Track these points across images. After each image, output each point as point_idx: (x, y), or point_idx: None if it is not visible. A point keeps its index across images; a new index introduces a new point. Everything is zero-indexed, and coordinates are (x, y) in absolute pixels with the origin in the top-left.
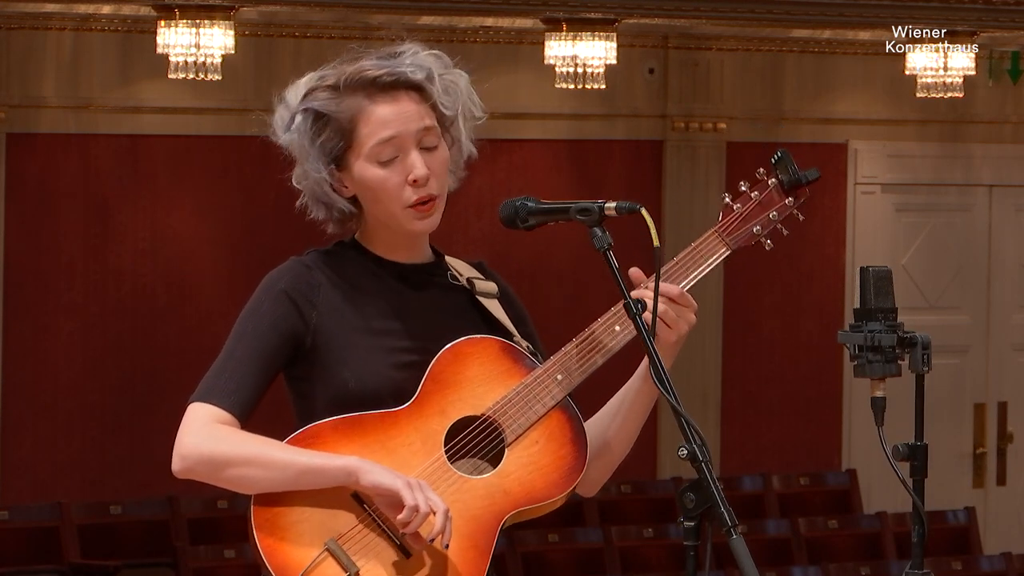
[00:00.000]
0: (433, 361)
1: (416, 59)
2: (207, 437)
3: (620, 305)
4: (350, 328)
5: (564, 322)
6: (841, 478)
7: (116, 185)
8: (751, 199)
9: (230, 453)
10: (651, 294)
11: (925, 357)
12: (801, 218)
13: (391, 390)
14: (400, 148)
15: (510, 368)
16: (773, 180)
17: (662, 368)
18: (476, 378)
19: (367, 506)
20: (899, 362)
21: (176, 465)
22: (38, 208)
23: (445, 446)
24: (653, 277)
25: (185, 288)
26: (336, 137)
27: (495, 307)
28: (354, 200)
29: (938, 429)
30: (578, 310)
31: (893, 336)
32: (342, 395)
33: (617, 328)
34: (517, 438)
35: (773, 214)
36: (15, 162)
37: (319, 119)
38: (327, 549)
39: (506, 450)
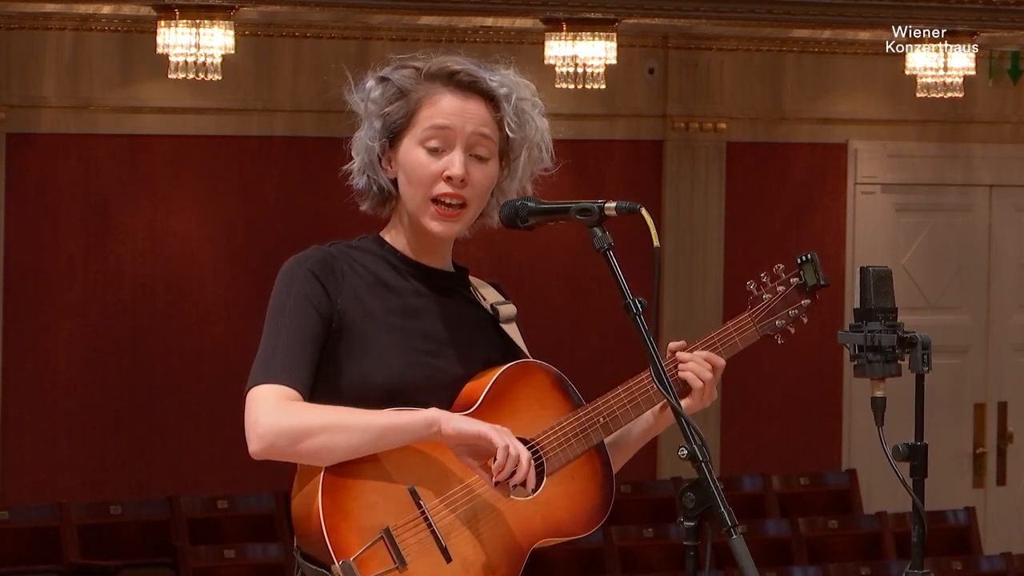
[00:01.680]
0: (492, 379)
1: (505, 77)
2: (282, 413)
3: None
4: (370, 320)
5: (564, 322)
6: (841, 478)
7: (116, 185)
8: (777, 293)
9: (309, 423)
10: (692, 358)
11: (925, 357)
12: (806, 320)
13: (396, 388)
14: (448, 142)
15: (559, 401)
16: (795, 279)
17: (662, 369)
18: (529, 403)
19: (422, 504)
20: (899, 362)
21: (255, 445)
22: (38, 208)
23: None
24: (692, 344)
25: (185, 288)
26: (400, 113)
27: (514, 332)
28: (394, 184)
29: (938, 429)
30: (578, 310)
31: (893, 336)
32: (348, 388)
33: None
34: (556, 470)
35: (792, 312)
36: (15, 162)
37: (393, 92)
38: (382, 537)
39: (545, 479)
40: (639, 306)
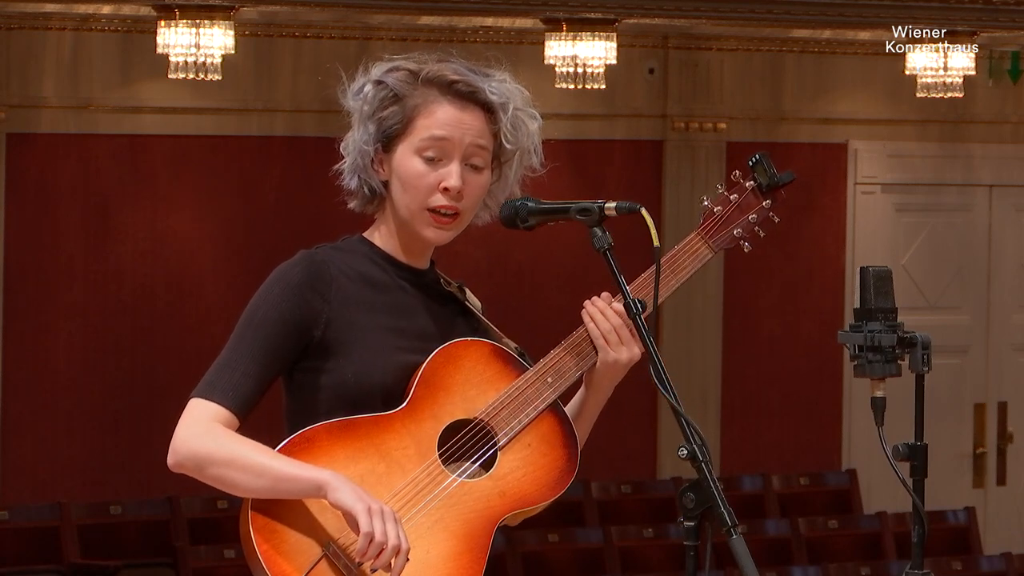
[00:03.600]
0: (424, 364)
1: (501, 86)
2: (197, 434)
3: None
4: (361, 322)
5: (564, 322)
6: (841, 478)
7: (116, 185)
8: (730, 202)
9: (214, 453)
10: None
11: (925, 357)
12: (777, 220)
13: (391, 387)
14: (446, 153)
15: (501, 371)
16: (750, 183)
17: (662, 368)
18: (468, 381)
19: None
20: (899, 362)
21: (169, 459)
22: (38, 208)
23: (439, 450)
24: (637, 279)
25: (185, 288)
26: (395, 118)
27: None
28: (385, 185)
29: (938, 429)
30: (578, 310)
31: (893, 336)
32: (341, 388)
33: None
34: (510, 441)
35: (752, 216)
36: (15, 162)
37: (388, 96)
38: (324, 554)
39: (499, 453)
40: (639, 306)
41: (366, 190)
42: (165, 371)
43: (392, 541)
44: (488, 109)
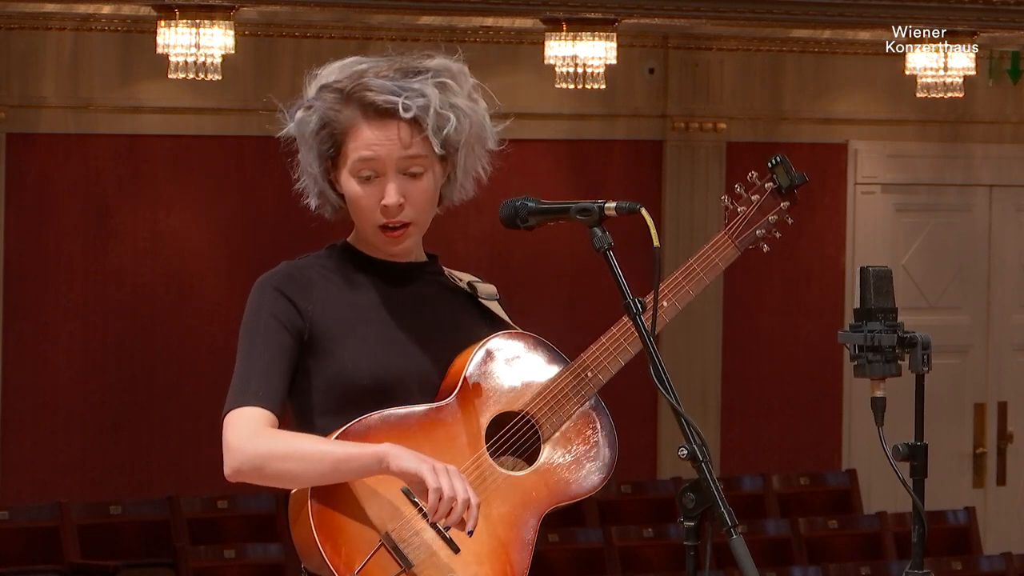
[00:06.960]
0: (471, 357)
1: (424, 85)
2: (249, 437)
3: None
4: (345, 319)
5: (564, 322)
6: (841, 478)
7: (116, 185)
8: (752, 203)
9: (271, 450)
10: None
11: (925, 357)
12: (791, 221)
13: (387, 377)
14: (379, 170)
15: (543, 364)
16: (770, 184)
17: (662, 368)
18: (512, 374)
19: (417, 500)
20: (899, 362)
21: (226, 470)
22: (38, 208)
23: (486, 442)
24: (672, 275)
25: (185, 288)
26: (329, 142)
27: (496, 308)
28: (344, 198)
29: (938, 429)
30: (578, 310)
31: (893, 336)
32: (340, 382)
33: None
34: (552, 434)
35: (772, 217)
36: (15, 162)
37: (318, 122)
38: (382, 544)
39: (543, 446)
40: (639, 306)
41: (329, 206)
42: (165, 371)
43: (461, 495)
44: (411, 119)
